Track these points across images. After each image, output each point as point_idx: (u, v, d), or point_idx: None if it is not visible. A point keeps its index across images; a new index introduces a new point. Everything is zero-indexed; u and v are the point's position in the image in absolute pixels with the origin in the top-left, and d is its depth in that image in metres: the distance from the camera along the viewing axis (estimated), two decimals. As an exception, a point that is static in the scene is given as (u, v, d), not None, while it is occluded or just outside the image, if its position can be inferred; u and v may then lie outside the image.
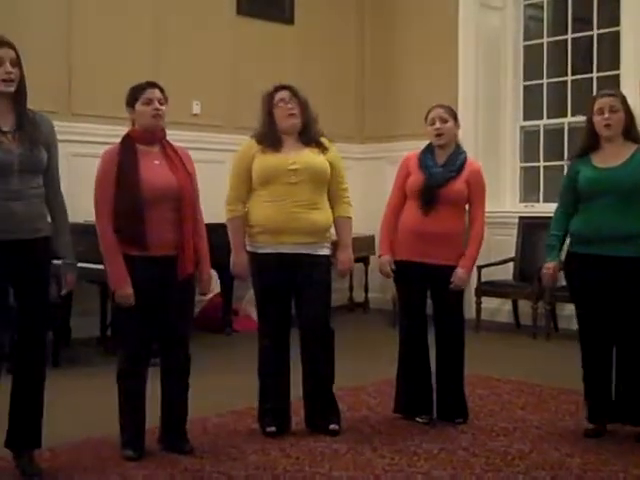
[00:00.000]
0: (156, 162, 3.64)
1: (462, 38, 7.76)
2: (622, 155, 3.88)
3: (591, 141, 3.95)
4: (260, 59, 7.60)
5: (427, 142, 4.22)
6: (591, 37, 7.42)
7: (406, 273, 4.13)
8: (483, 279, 6.92)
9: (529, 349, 6.34)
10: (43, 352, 3.45)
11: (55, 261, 3.47)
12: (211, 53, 7.41)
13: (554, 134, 7.73)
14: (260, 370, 4.01)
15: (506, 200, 7.83)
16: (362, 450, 3.74)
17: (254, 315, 6.24)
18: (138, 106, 3.64)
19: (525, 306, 6.96)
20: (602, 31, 7.33)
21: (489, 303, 7.23)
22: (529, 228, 7.18)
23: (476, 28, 7.74)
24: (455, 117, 4.22)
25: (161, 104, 3.64)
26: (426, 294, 4.18)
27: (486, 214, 4.24)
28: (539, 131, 7.80)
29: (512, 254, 7.26)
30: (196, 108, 7.31)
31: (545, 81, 7.75)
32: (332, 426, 3.96)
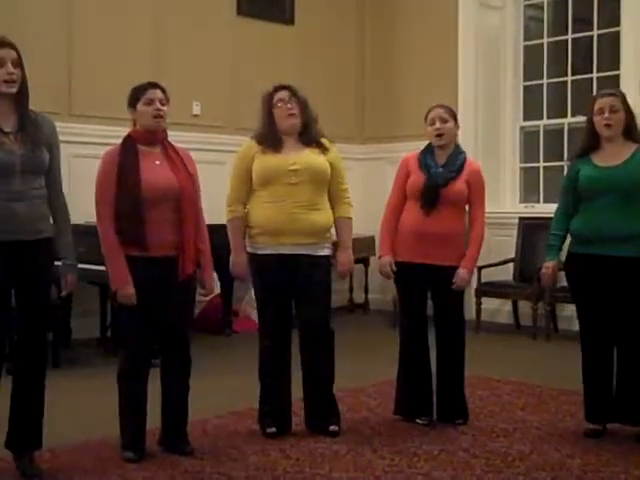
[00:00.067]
0: (157, 162, 3.64)
1: (462, 38, 7.76)
2: (623, 154, 3.88)
3: (591, 141, 3.95)
4: (260, 60, 7.60)
5: (427, 143, 4.22)
6: (591, 37, 7.42)
7: (407, 274, 4.13)
8: (483, 280, 6.92)
9: (529, 350, 6.34)
10: (43, 353, 3.45)
11: (56, 262, 3.47)
12: (211, 54, 7.40)
13: (554, 134, 7.72)
14: (261, 371, 4.01)
15: (506, 201, 7.83)
16: (362, 451, 3.74)
17: (254, 316, 6.26)
18: (140, 106, 3.64)
19: (525, 307, 6.96)
20: (602, 31, 7.33)
21: (489, 304, 7.23)
22: (529, 229, 7.18)
23: (476, 28, 7.74)
24: (455, 117, 4.22)
25: (163, 105, 3.64)
26: (427, 295, 4.18)
27: (486, 215, 4.24)
28: (539, 131, 7.80)
29: (512, 255, 7.26)
30: (196, 109, 7.30)
31: (545, 81, 7.75)
32: (332, 427, 3.96)
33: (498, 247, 7.15)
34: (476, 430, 4.07)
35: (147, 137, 3.66)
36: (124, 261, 3.55)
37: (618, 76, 6.96)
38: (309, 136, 3.99)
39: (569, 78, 7.56)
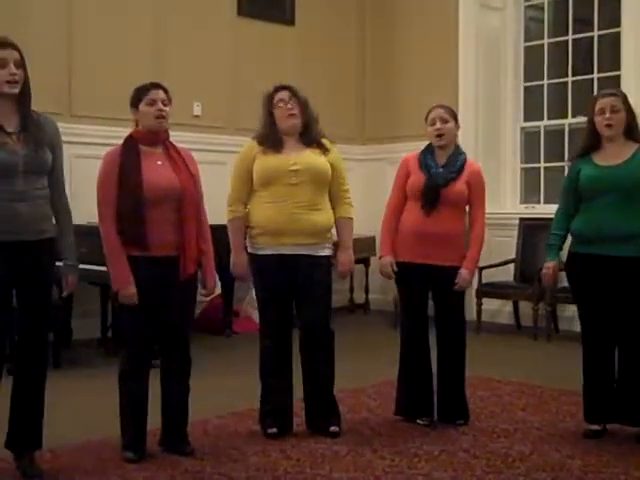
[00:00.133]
0: (159, 163, 3.64)
1: (462, 39, 7.76)
2: (624, 154, 3.88)
3: (592, 141, 3.95)
4: (261, 60, 7.60)
5: (427, 143, 4.22)
6: (592, 38, 7.42)
7: (408, 274, 4.13)
8: (484, 280, 6.92)
9: (530, 350, 6.34)
10: (44, 353, 3.45)
11: (57, 263, 3.48)
12: (212, 54, 7.41)
13: (555, 135, 7.72)
14: (261, 371, 4.01)
15: (507, 201, 7.83)
16: (363, 452, 3.74)
17: (254, 316, 6.27)
18: (142, 106, 3.64)
19: (526, 307, 6.96)
20: (603, 32, 7.32)
21: (490, 304, 7.23)
22: (530, 229, 7.18)
23: (476, 29, 7.74)
24: (455, 117, 4.22)
25: (165, 105, 3.65)
26: (427, 295, 4.18)
27: (486, 215, 4.24)
28: (539, 132, 7.80)
29: (513, 255, 7.26)
30: (197, 109, 7.31)
31: (546, 82, 7.75)
32: (332, 428, 3.96)
33: (499, 248, 7.15)
34: (477, 431, 4.07)
35: (149, 137, 3.66)
36: (126, 261, 3.55)
37: (619, 77, 6.96)
38: (310, 136, 3.99)
39: (569, 79, 7.56)
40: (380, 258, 4.22)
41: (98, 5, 6.73)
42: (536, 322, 6.65)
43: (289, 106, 3.95)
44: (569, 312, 6.79)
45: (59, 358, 5.45)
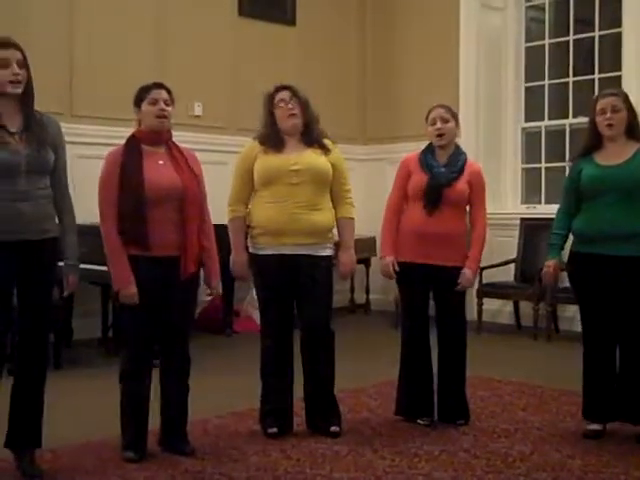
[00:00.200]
0: (161, 162, 3.64)
1: (463, 39, 7.76)
2: (625, 153, 3.88)
3: (594, 141, 3.95)
4: (262, 60, 7.60)
5: (428, 143, 4.22)
6: (593, 38, 7.42)
7: (409, 274, 4.13)
8: (484, 280, 6.92)
9: (530, 350, 6.34)
10: (45, 353, 3.45)
11: (58, 262, 3.48)
12: (213, 54, 7.41)
13: (556, 135, 7.72)
14: (262, 371, 4.01)
15: (507, 201, 7.83)
16: (363, 452, 3.74)
17: (255, 316, 6.27)
18: (144, 106, 3.64)
19: (526, 307, 6.96)
20: (604, 32, 7.32)
21: (490, 304, 7.23)
22: (530, 230, 7.18)
23: (477, 29, 7.74)
24: (456, 117, 4.22)
25: (167, 105, 3.65)
26: (428, 295, 4.18)
27: (487, 215, 4.24)
28: (540, 132, 7.80)
29: (513, 255, 7.27)
30: (198, 109, 7.30)
31: (547, 82, 7.75)
32: (333, 428, 3.96)
33: (499, 248, 7.14)
34: (477, 431, 4.07)
35: (151, 137, 3.66)
36: (127, 261, 3.55)
37: (620, 77, 6.96)
38: (311, 136, 4.00)
39: (570, 79, 7.56)
40: (381, 258, 4.22)
41: (99, 5, 6.73)
42: (536, 322, 6.65)
43: (290, 106, 3.95)
44: (569, 312, 6.79)
45: (60, 358, 5.45)
